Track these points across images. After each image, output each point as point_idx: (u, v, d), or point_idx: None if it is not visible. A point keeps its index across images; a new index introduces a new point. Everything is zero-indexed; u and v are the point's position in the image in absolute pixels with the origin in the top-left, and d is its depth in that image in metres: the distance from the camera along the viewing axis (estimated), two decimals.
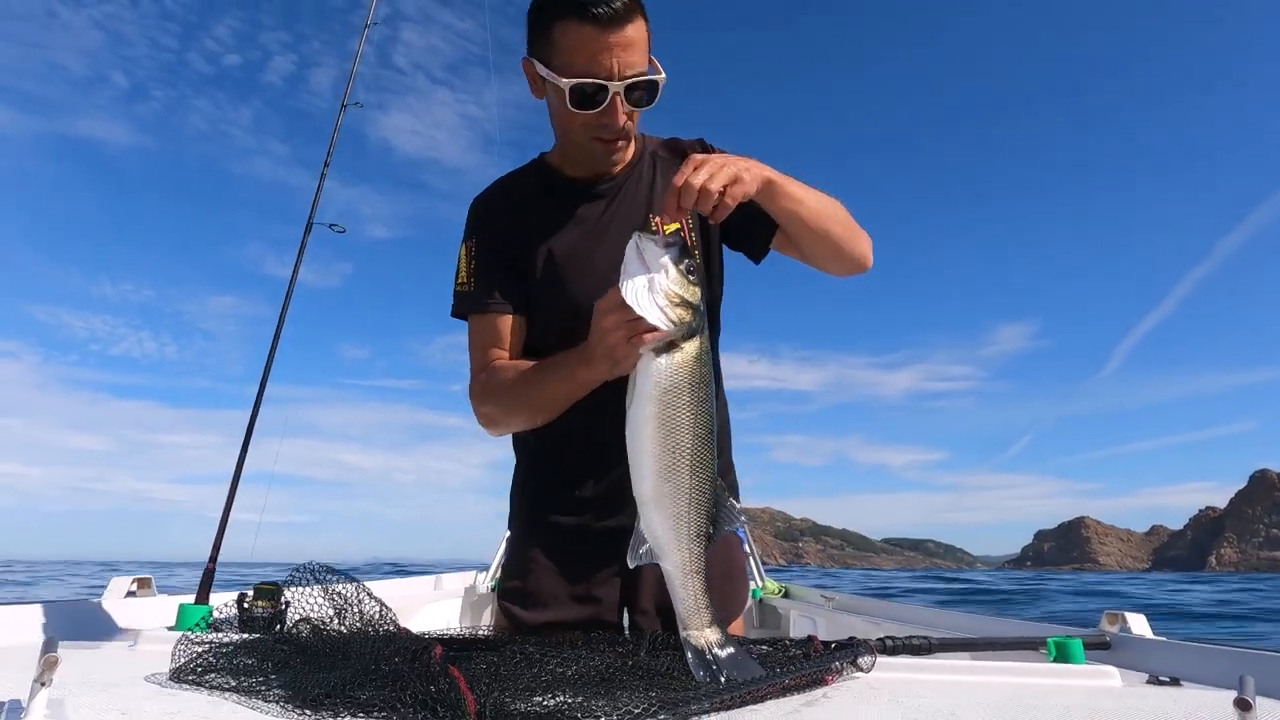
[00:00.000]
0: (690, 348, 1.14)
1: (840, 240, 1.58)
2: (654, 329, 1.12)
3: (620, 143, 1.61)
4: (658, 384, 1.13)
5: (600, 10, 1.42)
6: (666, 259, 1.15)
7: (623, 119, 1.52)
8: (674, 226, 1.62)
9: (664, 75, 1.54)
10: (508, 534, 1.84)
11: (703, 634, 1.11)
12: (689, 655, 1.10)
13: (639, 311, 1.11)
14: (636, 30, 1.47)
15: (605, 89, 1.47)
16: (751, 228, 1.66)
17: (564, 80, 1.47)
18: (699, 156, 1.30)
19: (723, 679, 1.05)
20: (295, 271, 2.77)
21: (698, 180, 1.24)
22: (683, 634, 1.12)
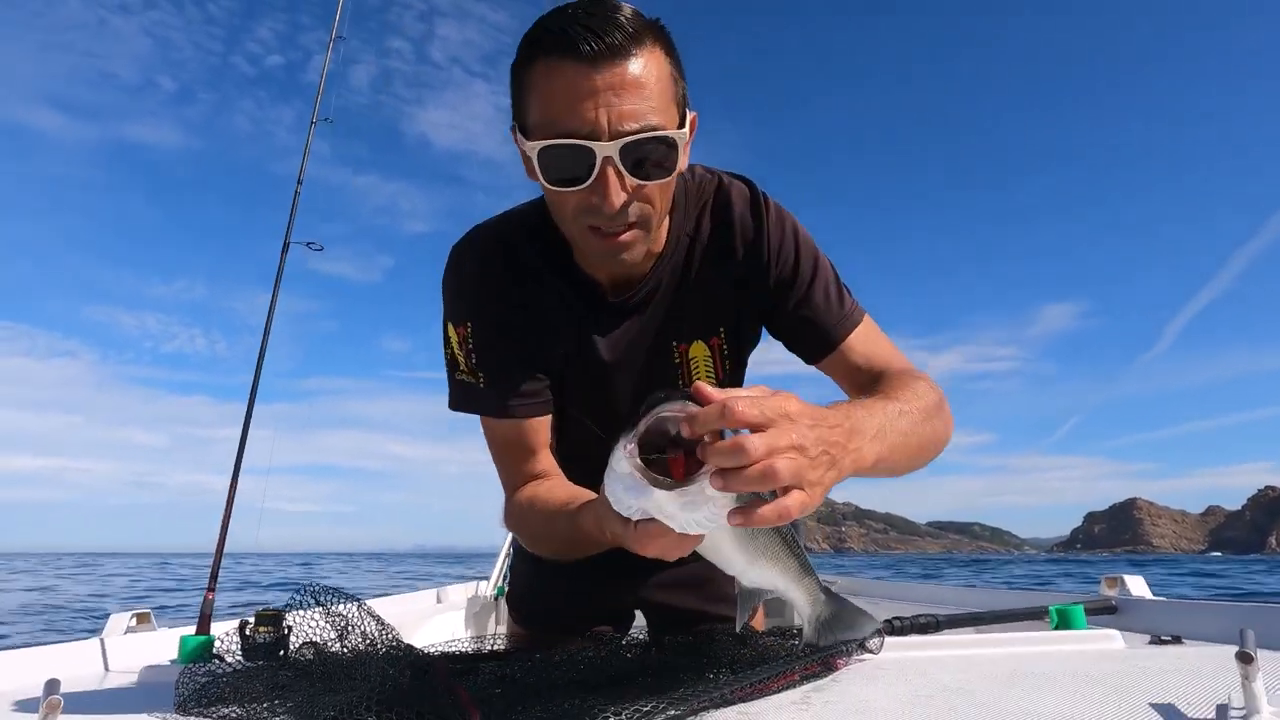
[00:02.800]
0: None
1: (921, 466, 1.17)
2: (695, 538, 0.88)
3: (626, 235, 1.11)
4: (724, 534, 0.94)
5: (586, 44, 0.99)
6: (656, 496, 0.80)
7: (620, 197, 1.05)
8: (700, 352, 1.34)
9: (687, 131, 1.10)
10: (508, 540, 1.83)
11: (821, 614, 1.09)
12: (817, 635, 1.09)
13: (674, 527, 0.83)
14: (645, 67, 1.03)
15: (589, 154, 1.02)
16: (803, 338, 1.34)
17: (530, 143, 1.05)
18: (778, 404, 0.77)
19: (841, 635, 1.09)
20: (275, 290, 2.75)
21: (757, 451, 0.73)
22: (807, 625, 1.10)
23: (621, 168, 1.03)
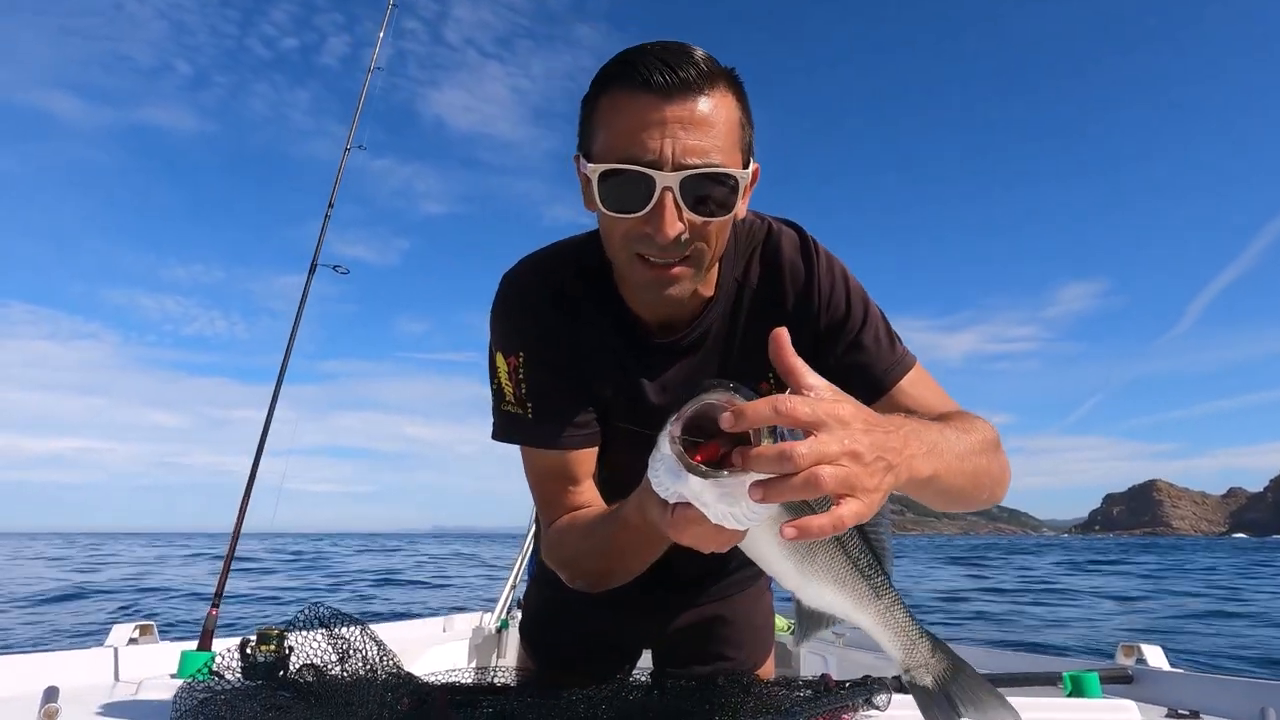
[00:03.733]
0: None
1: (974, 503, 1.15)
2: (737, 531, 0.83)
3: (677, 269, 1.11)
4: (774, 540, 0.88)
5: (660, 76, 1.01)
6: (691, 482, 0.78)
7: (675, 228, 1.04)
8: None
9: (751, 170, 1.11)
10: (513, 574, 1.81)
11: (927, 668, 0.93)
12: (916, 699, 0.94)
13: (716, 521, 0.81)
14: (715, 107, 1.04)
15: (650, 181, 1.02)
16: (854, 383, 1.27)
17: (591, 165, 1.06)
18: (832, 407, 0.75)
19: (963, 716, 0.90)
20: (300, 309, 2.79)
21: (803, 459, 0.70)
22: (904, 677, 0.95)
23: (680, 200, 1.04)
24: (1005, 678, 1.68)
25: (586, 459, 1.33)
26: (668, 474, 0.78)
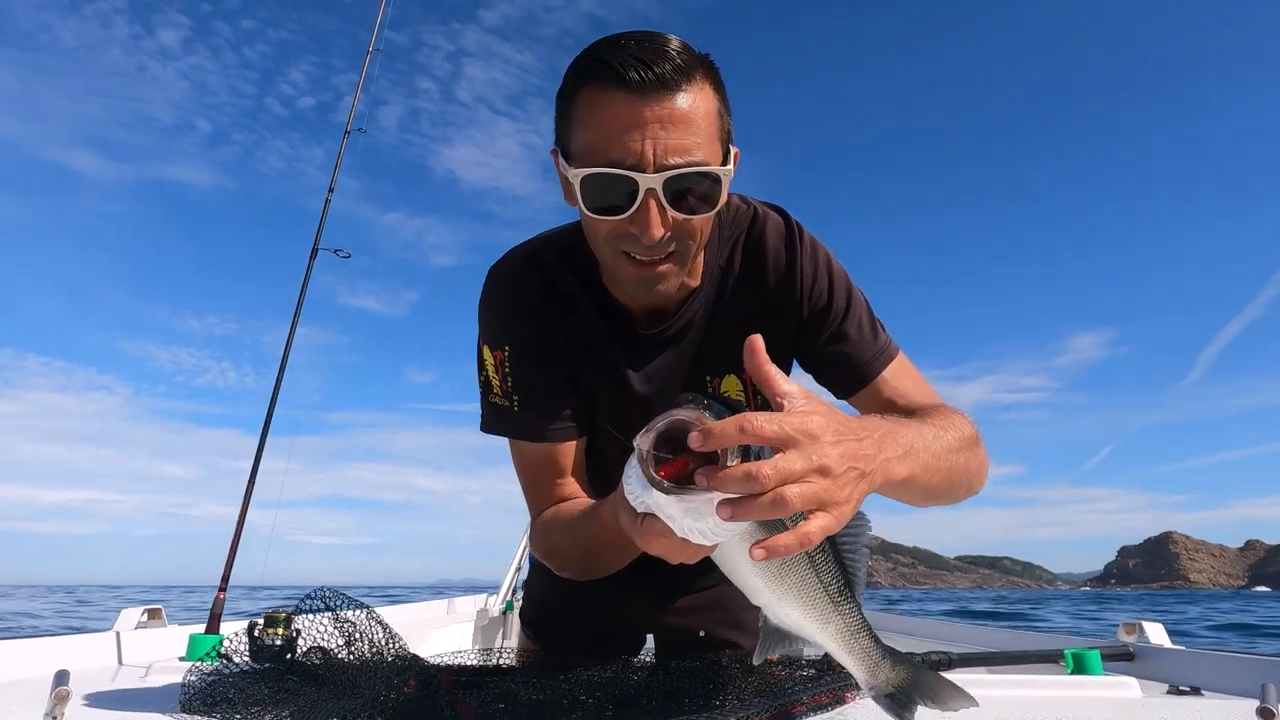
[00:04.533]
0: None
1: (952, 499, 1.15)
2: (709, 546, 0.84)
3: (663, 266, 1.13)
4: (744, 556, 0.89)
5: (635, 73, 1.00)
6: (655, 496, 0.78)
7: (659, 230, 1.06)
8: (733, 386, 1.34)
9: (731, 167, 1.12)
10: (517, 555, 1.82)
11: (890, 682, 0.94)
12: (880, 705, 0.95)
13: (678, 534, 0.81)
14: (693, 102, 1.04)
15: (633, 184, 1.03)
16: (836, 372, 1.32)
17: (574, 170, 1.07)
18: (800, 422, 0.74)
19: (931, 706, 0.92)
20: (301, 297, 2.79)
21: (769, 480, 0.70)
22: (870, 695, 0.96)
23: (664, 200, 1.04)
24: (1006, 656, 1.69)
25: (572, 451, 1.34)
26: (638, 484, 0.78)
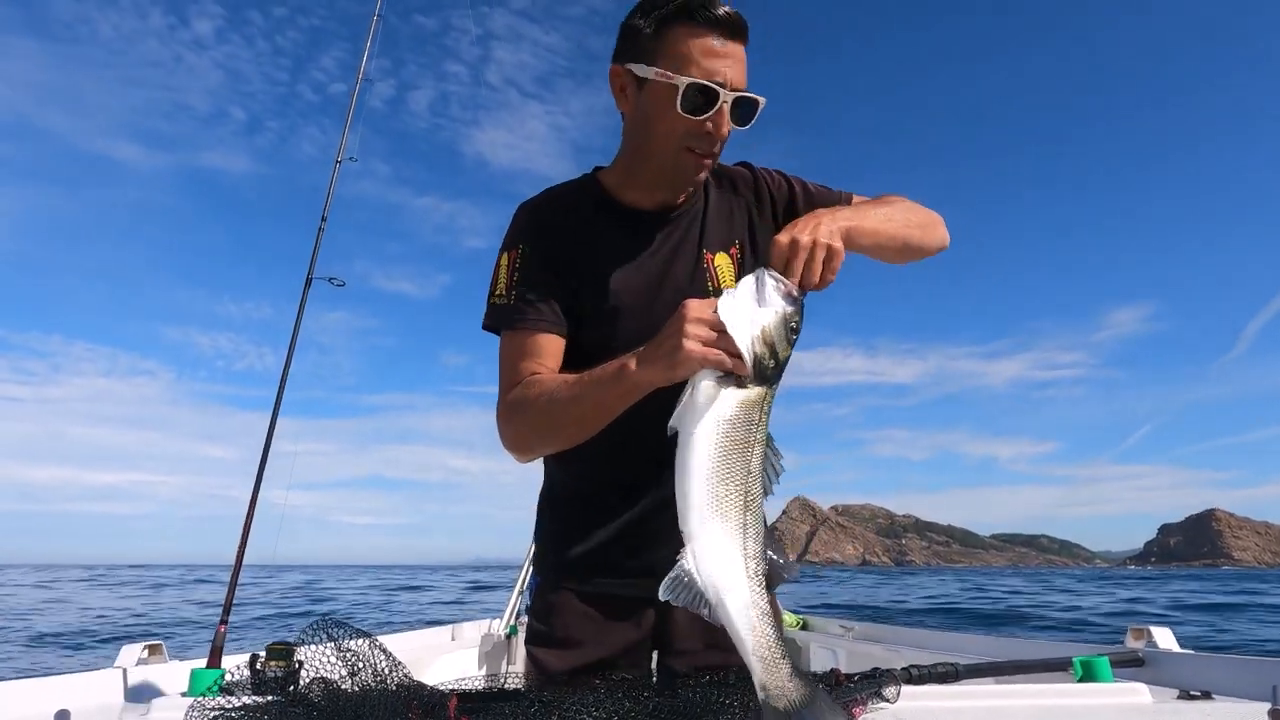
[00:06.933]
0: (755, 393, 1.10)
1: (918, 243, 1.55)
2: (736, 354, 1.08)
3: (708, 160, 1.52)
4: (721, 410, 1.08)
5: (729, 21, 1.41)
6: (785, 308, 1.11)
7: (728, 128, 1.47)
8: (723, 261, 1.61)
9: (765, 100, 1.50)
10: (523, 577, 1.81)
11: (784, 692, 0.96)
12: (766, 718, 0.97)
13: (730, 332, 1.08)
14: (745, 54, 1.46)
15: (718, 95, 1.41)
16: None
17: (681, 78, 1.41)
18: (791, 236, 1.24)
19: None
20: (298, 323, 2.79)
21: (804, 242, 1.21)
22: (760, 696, 0.98)
23: (730, 113, 1.44)
24: (1014, 665, 1.68)
25: (551, 347, 1.52)
26: (766, 296, 1.12)
